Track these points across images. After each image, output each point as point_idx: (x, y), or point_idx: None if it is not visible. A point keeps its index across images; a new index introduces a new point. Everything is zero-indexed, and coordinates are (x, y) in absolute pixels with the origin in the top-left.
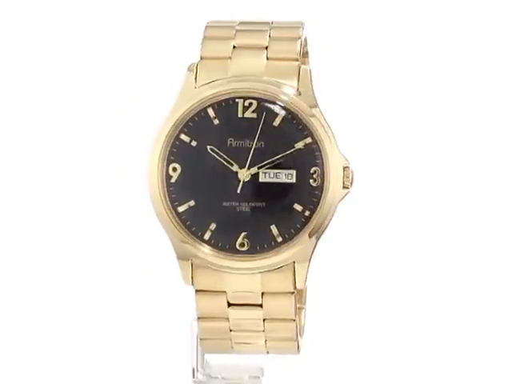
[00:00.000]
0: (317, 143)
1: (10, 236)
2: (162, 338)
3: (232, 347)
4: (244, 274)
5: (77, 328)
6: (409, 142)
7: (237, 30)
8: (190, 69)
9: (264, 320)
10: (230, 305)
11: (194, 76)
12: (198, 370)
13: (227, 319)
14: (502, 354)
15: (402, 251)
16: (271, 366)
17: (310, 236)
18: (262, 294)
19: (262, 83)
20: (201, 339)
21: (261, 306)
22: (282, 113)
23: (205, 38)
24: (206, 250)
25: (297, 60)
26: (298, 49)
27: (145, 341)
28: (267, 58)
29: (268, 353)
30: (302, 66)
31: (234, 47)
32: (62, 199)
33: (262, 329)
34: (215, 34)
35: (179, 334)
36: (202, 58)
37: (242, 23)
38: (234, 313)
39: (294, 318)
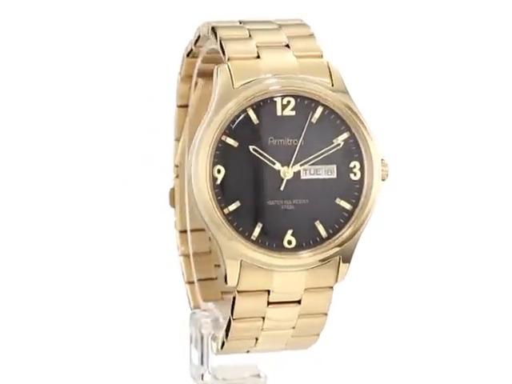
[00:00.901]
0: (355, 137)
1: (14, 236)
2: (162, 339)
3: (255, 346)
4: (292, 272)
5: (77, 328)
6: (408, 141)
7: (249, 30)
8: (221, 70)
9: (298, 316)
10: (269, 303)
11: (229, 77)
12: (208, 373)
13: (263, 318)
14: (506, 360)
15: (403, 250)
16: (271, 365)
17: (353, 230)
18: (304, 290)
19: (298, 80)
20: (228, 340)
21: (299, 302)
22: (320, 109)
23: (223, 40)
24: (254, 249)
25: (322, 57)
26: (320, 46)
27: (145, 341)
28: (294, 56)
29: (285, 349)
30: (331, 63)
31: (257, 46)
32: (61, 199)
33: (293, 325)
34: (231, 35)
35: (177, 334)
36: (229, 59)
37: (244, 22)
38: (272, 311)
39: (327, 312)
